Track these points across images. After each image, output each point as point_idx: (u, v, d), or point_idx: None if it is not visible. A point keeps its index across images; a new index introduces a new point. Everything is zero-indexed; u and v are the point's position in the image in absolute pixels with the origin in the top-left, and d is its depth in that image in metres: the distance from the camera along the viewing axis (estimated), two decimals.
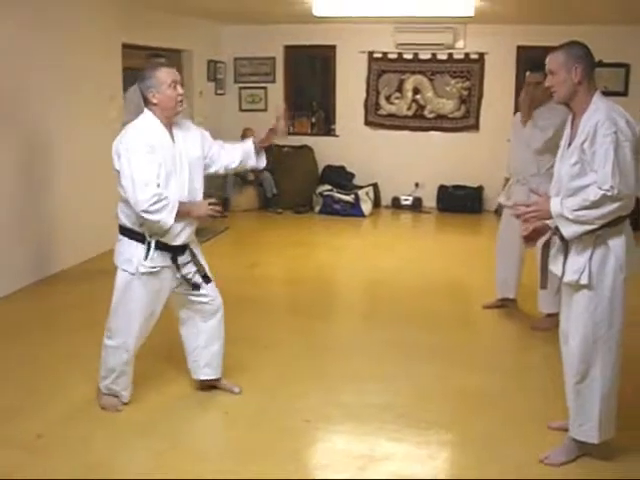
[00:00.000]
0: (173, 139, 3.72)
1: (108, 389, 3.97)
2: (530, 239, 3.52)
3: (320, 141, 10.81)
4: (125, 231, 3.76)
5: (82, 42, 6.93)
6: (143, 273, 3.71)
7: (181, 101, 3.68)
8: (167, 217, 3.58)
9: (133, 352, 3.90)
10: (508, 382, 4.48)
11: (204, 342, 4.07)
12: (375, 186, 10.54)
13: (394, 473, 3.40)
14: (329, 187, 10.23)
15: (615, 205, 3.08)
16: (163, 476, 3.33)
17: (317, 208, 10.20)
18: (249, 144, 3.99)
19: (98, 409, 3.96)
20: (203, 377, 4.16)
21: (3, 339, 5.03)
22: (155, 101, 3.64)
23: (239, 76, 11.01)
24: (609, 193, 3.04)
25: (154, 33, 8.40)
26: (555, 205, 3.20)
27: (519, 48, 9.82)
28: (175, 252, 3.79)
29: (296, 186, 10.25)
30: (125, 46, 7.76)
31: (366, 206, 10.07)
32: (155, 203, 3.53)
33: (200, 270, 3.91)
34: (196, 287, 3.89)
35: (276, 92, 10.92)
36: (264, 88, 10.95)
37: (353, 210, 9.97)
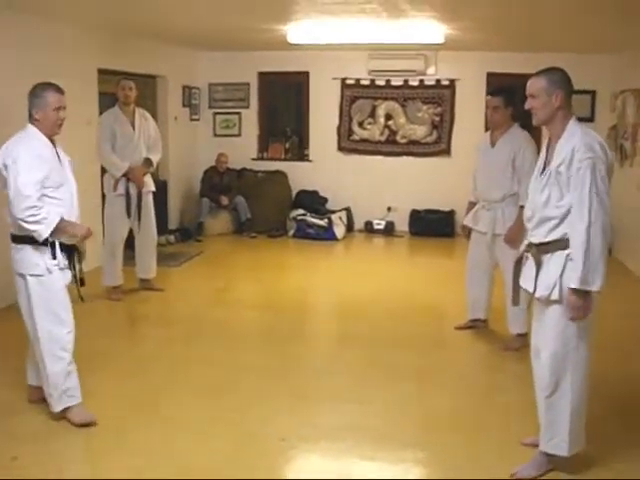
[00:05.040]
0: (58, 156, 3.99)
1: (64, 393, 3.98)
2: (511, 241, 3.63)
3: (294, 166, 10.89)
4: (27, 239, 3.87)
5: (60, 67, 6.93)
6: (52, 271, 3.90)
7: (60, 125, 3.97)
8: (43, 230, 3.80)
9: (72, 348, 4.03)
10: (481, 401, 4.55)
11: None
12: (348, 210, 10.63)
13: None
14: (302, 211, 10.30)
15: (600, 227, 3.15)
16: None
17: (291, 232, 10.25)
18: None
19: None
20: None
21: None
22: (37, 117, 3.92)
23: (213, 101, 11.08)
24: (591, 226, 3.14)
25: (129, 59, 8.45)
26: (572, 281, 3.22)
27: (489, 75, 10.02)
28: (72, 251, 4.03)
29: (270, 211, 10.31)
30: (101, 71, 7.83)
31: (339, 230, 10.15)
32: (32, 215, 3.76)
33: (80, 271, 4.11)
34: (82, 283, 4.12)
35: (250, 117, 11.04)
36: (238, 114, 11.04)
37: (326, 234, 10.05)
